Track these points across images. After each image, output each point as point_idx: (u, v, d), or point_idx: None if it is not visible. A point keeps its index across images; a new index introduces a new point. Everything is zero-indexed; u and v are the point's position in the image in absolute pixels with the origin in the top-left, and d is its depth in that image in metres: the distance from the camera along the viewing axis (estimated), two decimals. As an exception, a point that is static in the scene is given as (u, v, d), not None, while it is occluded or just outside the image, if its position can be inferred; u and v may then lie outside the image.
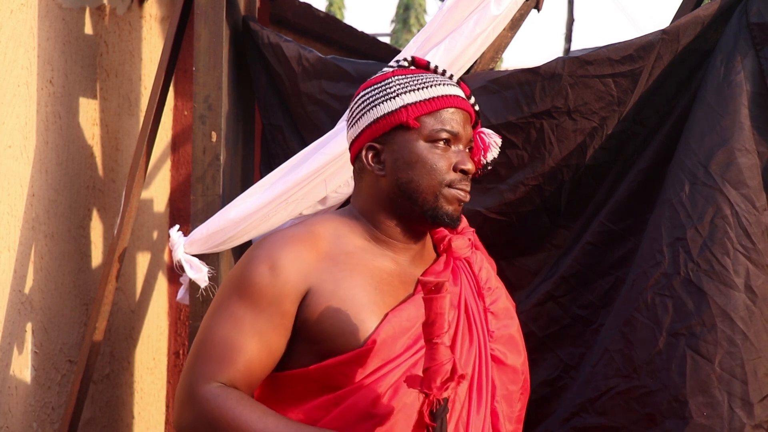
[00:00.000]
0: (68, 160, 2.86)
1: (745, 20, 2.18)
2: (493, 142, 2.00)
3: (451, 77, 1.97)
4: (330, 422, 1.80)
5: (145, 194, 3.23)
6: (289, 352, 1.86)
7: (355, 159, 1.96)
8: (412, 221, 1.92)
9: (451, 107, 1.90)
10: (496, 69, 2.57)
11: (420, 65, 1.97)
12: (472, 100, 1.98)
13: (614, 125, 2.32)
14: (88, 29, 2.94)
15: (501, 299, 2.01)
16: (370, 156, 1.92)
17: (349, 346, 1.80)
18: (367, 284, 1.85)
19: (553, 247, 2.41)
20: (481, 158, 1.99)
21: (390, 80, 1.92)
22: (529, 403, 2.38)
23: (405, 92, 1.90)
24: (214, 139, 2.59)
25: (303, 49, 2.67)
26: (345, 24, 4.88)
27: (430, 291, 1.70)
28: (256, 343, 1.80)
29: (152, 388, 3.33)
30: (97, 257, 3.02)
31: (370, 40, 5.14)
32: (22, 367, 2.70)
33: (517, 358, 1.99)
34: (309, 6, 4.30)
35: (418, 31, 3.73)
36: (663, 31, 2.27)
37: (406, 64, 1.98)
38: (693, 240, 2.15)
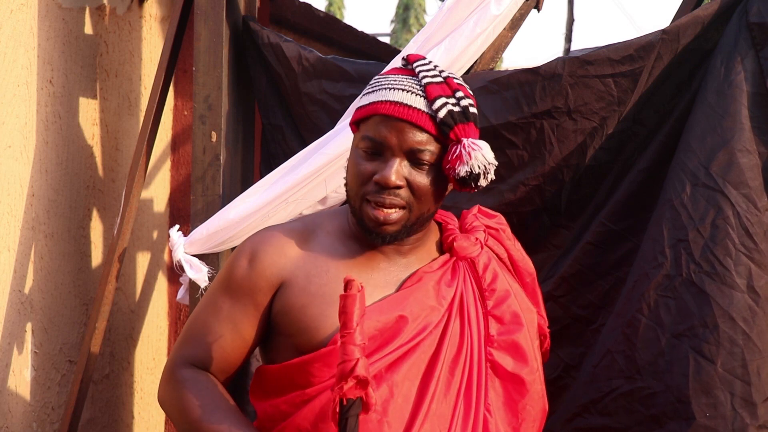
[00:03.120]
0: (68, 160, 2.85)
1: (745, 20, 2.18)
2: (465, 153, 1.79)
3: (422, 79, 1.82)
4: (298, 419, 1.81)
5: (145, 194, 3.23)
6: (274, 346, 1.91)
7: None
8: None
9: (384, 114, 1.79)
10: (496, 69, 2.57)
11: (408, 61, 1.89)
12: (438, 105, 1.79)
13: (614, 125, 2.32)
14: (88, 29, 2.94)
15: (508, 302, 1.91)
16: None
17: (314, 343, 1.82)
18: (339, 282, 1.78)
19: (553, 247, 2.41)
20: (451, 171, 1.81)
21: (370, 82, 1.90)
22: (530, 403, 2.39)
23: (364, 94, 1.88)
24: (214, 139, 2.59)
25: (303, 49, 2.67)
26: (345, 24, 4.88)
27: (345, 288, 1.68)
28: (229, 330, 1.89)
29: (152, 388, 3.33)
30: (97, 257, 3.02)
31: (370, 40, 5.15)
32: (22, 367, 2.70)
33: (522, 366, 1.88)
34: (309, 6, 4.30)
35: (418, 31, 3.73)
36: (663, 31, 2.27)
37: (402, 63, 1.92)
38: (695, 241, 2.15)
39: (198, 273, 2.47)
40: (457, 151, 1.79)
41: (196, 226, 2.52)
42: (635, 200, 2.32)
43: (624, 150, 2.33)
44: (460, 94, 1.83)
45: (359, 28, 4.99)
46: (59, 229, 2.83)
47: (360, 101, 1.88)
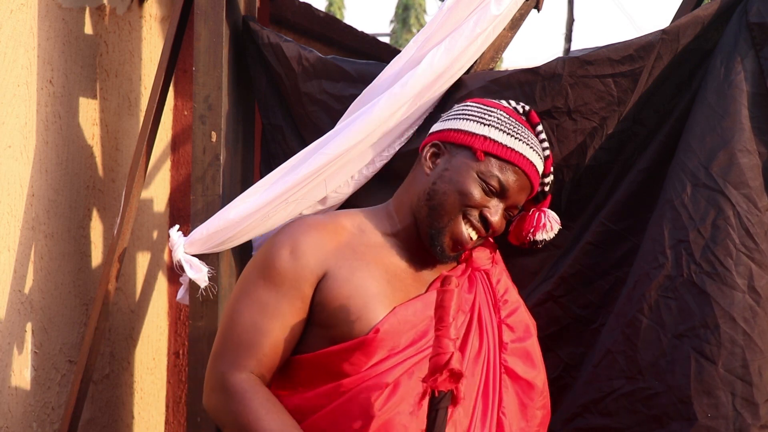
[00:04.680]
0: (68, 160, 2.85)
1: (745, 20, 2.18)
2: (549, 224, 2.09)
3: (545, 149, 2.06)
4: (331, 411, 1.84)
5: (145, 194, 3.23)
6: (305, 338, 1.93)
7: (422, 149, 2.06)
8: (419, 230, 1.98)
9: (520, 168, 1.98)
10: (496, 69, 2.57)
11: (531, 120, 2.07)
12: (548, 179, 2.07)
13: (614, 125, 2.32)
14: (88, 29, 2.94)
15: (519, 313, 2.07)
16: (430, 152, 2.01)
17: (355, 333, 1.85)
18: (380, 277, 1.92)
19: (553, 247, 2.41)
20: (530, 234, 2.08)
21: (496, 111, 2.02)
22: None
23: (496, 128, 1.98)
24: (214, 139, 2.59)
25: (303, 49, 2.67)
26: (345, 24, 4.88)
27: (441, 284, 1.75)
28: (279, 325, 1.88)
29: (152, 388, 3.33)
30: (97, 257, 3.02)
31: (370, 40, 5.14)
32: (22, 367, 2.70)
33: (534, 372, 2.03)
34: (309, 6, 4.30)
35: (418, 31, 3.73)
36: (663, 31, 2.27)
37: (521, 110, 2.08)
38: (695, 242, 2.15)
39: (198, 273, 2.47)
40: (544, 221, 2.09)
41: (196, 226, 2.52)
42: (635, 200, 2.31)
43: (624, 150, 2.33)
44: (552, 169, 2.10)
45: (359, 28, 4.99)
46: (59, 229, 2.83)
47: (491, 132, 1.97)
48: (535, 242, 2.11)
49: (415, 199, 2.00)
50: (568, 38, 11.78)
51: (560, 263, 2.39)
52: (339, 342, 1.87)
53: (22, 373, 2.70)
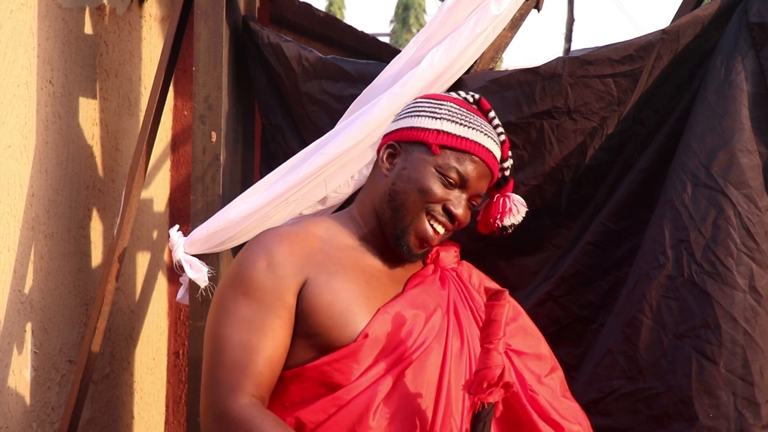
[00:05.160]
0: (68, 160, 2.85)
1: (745, 20, 2.18)
2: (515, 208, 2.06)
3: (500, 134, 2.03)
4: (333, 425, 1.80)
5: (145, 194, 3.23)
6: (290, 350, 1.88)
7: (379, 152, 2.05)
8: (385, 232, 1.97)
9: (477, 156, 1.95)
10: (496, 69, 2.57)
11: (482, 108, 2.05)
12: (507, 164, 2.05)
13: (614, 125, 2.32)
14: (88, 29, 2.94)
15: None
16: (386, 153, 2.00)
17: (343, 340, 1.82)
18: (358, 279, 1.90)
19: (553, 247, 2.41)
20: (497, 221, 2.06)
21: (447, 104, 2.00)
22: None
23: (447, 120, 1.96)
24: (214, 139, 2.59)
25: (303, 49, 2.67)
26: (345, 24, 4.87)
27: (491, 297, 1.76)
28: (270, 340, 1.82)
29: (152, 388, 3.33)
30: (97, 257, 3.02)
31: (370, 40, 5.14)
32: (22, 367, 2.70)
33: (535, 342, 2.04)
34: (309, 6, 4.30)
35: (418, 30, 3.73)
36: (663, 31, 2.27)
37: (471, 99, 2.05)
38: (696, 242, 2.15)
39: (198, 273, 2.47)
40: (509, 205, 2.06)
41: (196, 226, 2.52)
42: (635, 200, 2.31)
43: (624, 150, 2.33)
44: (510, 153, 2.07)
45: (359, 28, 4.99)
46: (59, 229, 2.83)
47: (444, 124, 1.96)
48: (504, 228, 2.08)
49: (377, 202, 1.98)
50: (568, 38, 11.78)
51: (560, 263, 2.39)
52: (326, 350, 1.82)
53: (22, 373, 2.70)
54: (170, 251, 2.55)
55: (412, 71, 2.37)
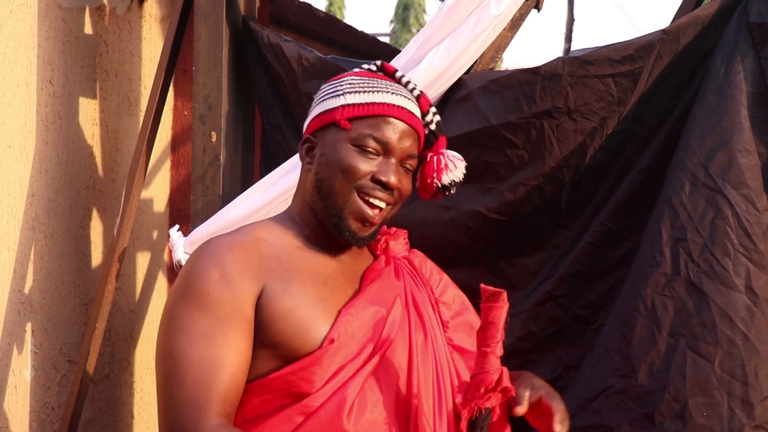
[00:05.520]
0: (68, 160, 2.85)
1: (745, 20, 2.18)
2: (451, 163, 1.94)
3: (412, 90, 1.92)
4: None
5: (145, 194, 3.23)
6: (252, 361, 1.77)
7: (300, 153, 1.96)
8: (325, 225, 1.88)
9: (389, 116, 1.85)
10: (496, 69, 2.57)
11: (386, 72, 1.95)
12: (430, 117, 1.92)
13: (614, 125, 2.31)
14: (88, 29, 2.94)
15: (450, 290, 2.01)
16: (304, 148, 1.91)
17: (307, 347, 1.73)
18: (315, 282, 1.81)
19: (553, 247, 2.41)
20: (434, 180, 1.94)
21: (344, 79, 1.91)
22: (529, 403, 2.38)
23: (349, 92, 1.87)
24: (214, 139, 2.59)
25: (303, 49, 2.67)
26: (345, 24, 4.88)
27: (488, 299, 1.69)
28: (233, 354, 1.71)
29: (152, 388, 3.33)
30: (97, 257, 3.02)
31: (370, 40, 5.15)
32: (22, 367, 2.70)
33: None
34: (309, 6, 4.31)
35: (418, 30, 3.73)
36: (663, 31, 2.27)
37: (374, 68, 1.96)
38: (693, 241, 2.14)
39: (198, 273, 2.47)
40: (444, 161, 1.93)
41: (196, 226, 2.52)
42: (635, 200, 2.31)
43: (624, 150, 2.33)
44: (434, 108, 1.96)
45: (359, 28, 5.00)
46: (59, 229, 2.83)
47: (346, 97, 1.86)
48: (445, 188, 1.95)
49: (308, 198, 1.89)
50: (568, 38, 11.78)
51: (560, 263, 2.39)
52: (290, 359, 1.73)
53: (22, 373, 2.70)
54: (170, 251, 2.55)
55: (412, 71, 2.37)
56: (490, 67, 2.57)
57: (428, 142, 1.94)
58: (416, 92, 1.93)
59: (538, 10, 2.65)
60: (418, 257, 2.02)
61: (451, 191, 1.97)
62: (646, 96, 2.29)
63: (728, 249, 2.12)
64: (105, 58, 3.02)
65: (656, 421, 2.14)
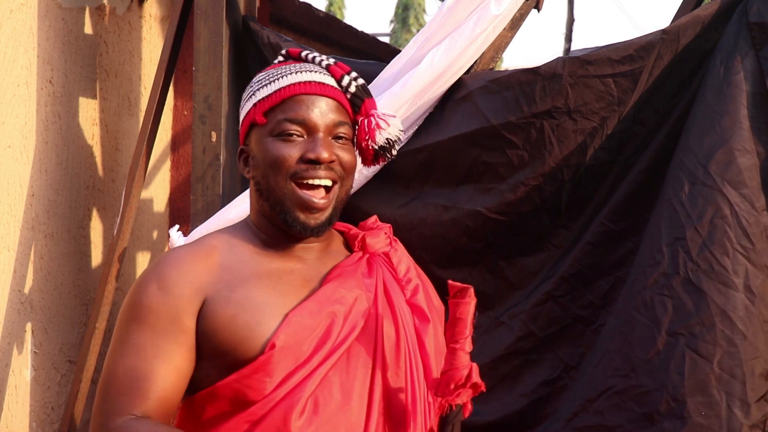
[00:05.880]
0: (68, 160, 2.86)
1: (745, 20, 2.18)
2: (382, 122, 1.85)
3: (320, 62, 1.85)
4: None
5: (145, 194, 3.23)
6: (198, 371, 1.75)
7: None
8: (278, 225, 1.83)
9: (300, 94, 1.79)
10: (496, 69, 2.57)
11: (293, 56, 1.88)
12: (347, 82, 1.84)
13: (614, 125, 2.31)
14: (88, 29, 2.94)
15: (420, 294, 1.91)
16: (242, 159, 1.87)
17: (250, 354, 1.69)
18: (264, 286, 1.76)
19: (553, 247, 2.41)
20: (369, 143, 1.85)
21: (254, 79, 1.87)
22: (529, 404, 2.38)
23: (258, 89, 1.83)
24: (214, 139, 2.59)
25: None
26: (345, 24, 4.88)
27: (455, 295, 1.67)
28: (163, 366, 1.69)
29: (152, 388, 3.33)
30: (97, 257, 3.02)
31: (370, 40, 5.15)
32: (22, 367, 2.70)
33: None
34: (309, 6, 4.31)
35: (418, 30, 3.73)
36: (663, 31, 2.27)
37: (281, 58, 1.91)
38: (692, 240, 2.14)
39: (198, 273, 2.47)
40: (374, 121, 1.84)
41: (196, 226, 2.52)
42: (635, 200, 2.31)
43: (624, 150, 2.33)
44: (354, 73, 1.87)
45: (359, 28, 5.00)
46: (59, 229, 2.83)
47: (257, 95, 1.82)
48: (385, 149, 1.86)
49: (257, 205, 1.84)
50: (568, 38, 11.78)
51: (560, 263, 2.39)
52: (236, 367, 1.69)
53: (22, 373, 2.70)
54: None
55: (412, 71, 2.37)
56: (490, 67, 2.57)
57: (356, 107, 1.85)
58: (325, 62, 1.85)
59: (538, 10, 2.65)
60: (398, 254, 1.94)
61: (393, 152, 1.88)
62: (646, 96, 2.29)
63: (727, 248, 2.12)
64: (105, 58, 3.02)
65: (655, 420, 2.14)
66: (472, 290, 1.67)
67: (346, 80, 1.84)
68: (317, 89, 1.80)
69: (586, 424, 2.24)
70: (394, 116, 1.88)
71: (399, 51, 2.61)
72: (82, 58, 2.91)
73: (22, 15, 2.64)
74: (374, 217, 2.01)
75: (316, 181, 1.77)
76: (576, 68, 2.31)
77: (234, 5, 2.68)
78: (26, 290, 2.71)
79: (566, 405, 2.31)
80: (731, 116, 2.15)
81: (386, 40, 21.89)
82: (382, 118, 1.85)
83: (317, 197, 1.78)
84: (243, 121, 1.86)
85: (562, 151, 2.34)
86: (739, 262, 2.11)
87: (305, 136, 1.78)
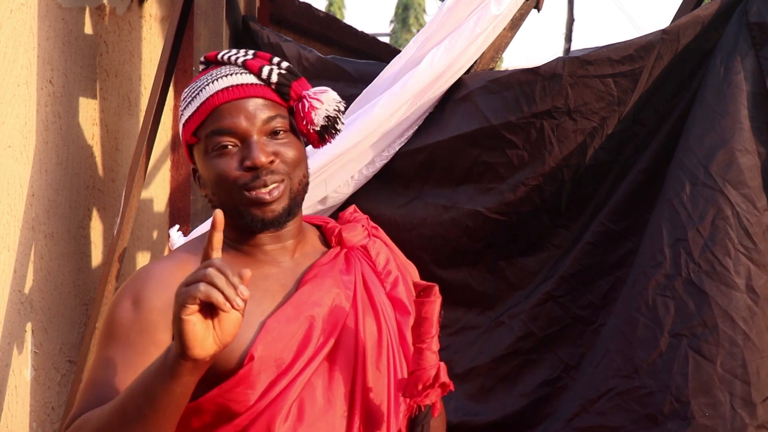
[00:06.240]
0: (68, 160, 2.86)
1: (745, 20, 2.18)
2: (315, 101, 1.76)
3: (237, 60, 1.77)
4: None
5: (145, 194, 3.23)
6: None
7: None
8: (243, 230, 1.77)
9: (219, 104, 1.72)
10: (496, 69, 2.57)
11: (209, 60, 1.81)
12: (266, 73, 1.75)
13: (614, 125, 2.31)
14: (88, 29, 2.94)
15: (400, 286, 1.87)
16: (196, 178, 1.82)
17: (228, 368, 1.66)
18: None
19: (553, 247, 2.41)
20: (310, 126, 1.77)
21: (182, 96, 1.81)
22: (529, 404, 2.38)
23: (184, 109, 1.78)
24: (214, 139, 2.59)
25: (303, 49, 2.67)
26: (345, 24, 4.88)
27: (419, 294, 1.65)
28: (130, 376, 1.63)
29: (152, 388, 3.33)
30: (97, 257, 3.02)
31: (370, 40, 5.15)
32: (22, 367, 2.70)
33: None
34: (309, 6, 4.31)
35: (418, 31, 3.73)
36: (663, 31, 2.27)
37: (202, 66, 1.82)
38: (694, 241, 2.14)
39: (198, 273, 2.47)
40: (307, 104, 1.76)
41: (196, 226, 2.52)
42: (635, 200, 2.31)
43: (624, 150, 2.33)
44: (276, 60, 1.81)
45: (359, 28, 5.00)
46: (59, 229, 2.83)
47: (184, 115, 1.77)
48: (327, 128, 1.79)
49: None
50: (568, 38, 11.78)
51: (560, 263, 2.39)
52: (218, 381, 1.65)
53: (22, 373, 2.70)
54: (170, 251, 2.54)
55: (412, 71, 2.37)
56: (490, 67, 2.57)
57: (284, 95, 1.77)
58: (242, 59, 1.77)
59: (538, 10, 2.65)
60: (376, 247, 1.88)
61: (337, 126, 1.81)
62: (646, 96, 2.29)
63: (729, 249, 2.12)
64: (105, 58, 3.02)
65: (659, 421, 2.14)
66: (437, 288, 1.64)
67: (266, 71, 1.76)
68: (237, 93, 1.73)
69: (588, 425, 2.24)
70: (326, 90, 1.79)
71: (399, 51, 2.61)
72: (82, 58, 2.91)
73: (22, 15, 2.64)
74: (352, 207, 1.96)
75: (266, 183, 1.71)
76: (576, 68, 2.31)
77: (234, 5, 2.68)
78: (26, 290, 2.71)
79: (566, 405, 2.31)
80: (732, 116, 2.15)
81: (386, 40, 21.89)
82: (314, 98, 1.77)
83: (270, 197, 1.72)
84: (183, 142, 1.81)
85: (562, 151, 2.34)
86: (741, 263, 2.11)
87: (240, 144, 1.71)
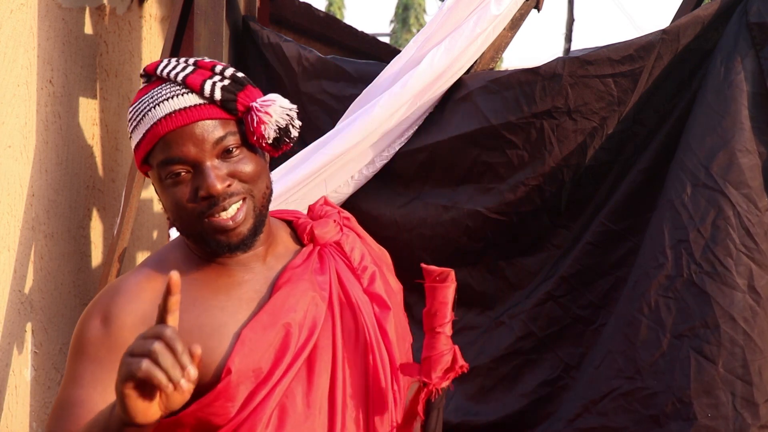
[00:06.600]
0: (68, 160, 2.86)
1: (745, 20, 2.18)
2: (263, 115, 1.66)
3: (177, 76, 1.66)
4: None
5: (145, 194, 3.23)
6: None
7: None
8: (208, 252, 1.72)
9: (165, 133, 1.63)
10: (496, 69, 2.57)
11: (149, 75, 1.71)
12: (209, 90, 1.64)
13: (614, 125, 2.32)
14: (88, 29, 2.94)
15: (377, 281, 1.82)
16: (161, 200, 1.75)
17: (206, 379, 1.62)
18: (212, 309, 1.68)
19: (553, 247, 2.41)
20: (262, 139, 1.67)
21: (128, 117, 1.74)
22: (529, 404, 2.38)
23: (132, 132, 1.71)
24: (214, 139, 2.59)
25: (303, 49, 2.67)
26: (345, 24, 4.88)
27: (434, 280, 1.64)
28: (98, 394, 1.61)
29: (152, 388, 3.33)
30: (97, 257, 3.02)
31: (370, 40, 5.15)
32: (22, 367, 2.70)
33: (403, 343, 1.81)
34: (309, 6, 4.31)
35: (418, 31, 3.73)
36: (663, 31, 2.27)
37: (143, 80, 1.72)
38: (695, 242, 2.14)
39: (198, 273, 2.46)
40: (255, 116, 1.66)
41: (196, 226, 2.52)
42: (635, 200, 2.31)
43: (624, 150, 2.33)
44: (218, 68, 1.69)
45: (359, 28, 5.00)
46: (59, 229, 2.83)
47: (132, 139, 1.69)
48: (281, 138, 1.69)
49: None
50: (568, 38, 11.78)
51: (560, 263, 2.39)
52: (197, 395, 1.59)
53: (22, 373, 2.70)
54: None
55: (412, 71, 2.37)
56: (490, 67, 2.57)
57: (231, 110, 1.66)
58: (182, 75, 1.66)
59: (538, 10, 2.66)
60: (350, 242, 1.82)
61: (291, 134, 1.72)
62: (646, 96, 2.29)
63: (730, 249, 2.12)
64: (105, 58, 3.02)
65: (661, 422, 2.14)
66: (452, 274, 1.64)
67: (208, 88, 1.64)
68: (181, 119, 1.63)
69: (590, 425, 2.24)
70: (274, 100, 1.69)
71: (399, 51, 2.61)
72: (82, 58, 2.91)
73: (22, 15, 2.64)
74: (322, 199, 1.91)
75: (224, 214, 1.64)
76: (576, 68, 2.31)
77: (234, 5, 2.68)
78: (26, 290, 2.71)
79: (567, 405, 2.31)
80: (732, 117, 2.15)
81: (386, 40, 21.89)
82: (261, 111, 1.66)
83: (231, 219, 1.64)
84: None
85: (562, 151, 2.34)
86: (743, 263, 2.11)
87: (193, 171, 1.63)
